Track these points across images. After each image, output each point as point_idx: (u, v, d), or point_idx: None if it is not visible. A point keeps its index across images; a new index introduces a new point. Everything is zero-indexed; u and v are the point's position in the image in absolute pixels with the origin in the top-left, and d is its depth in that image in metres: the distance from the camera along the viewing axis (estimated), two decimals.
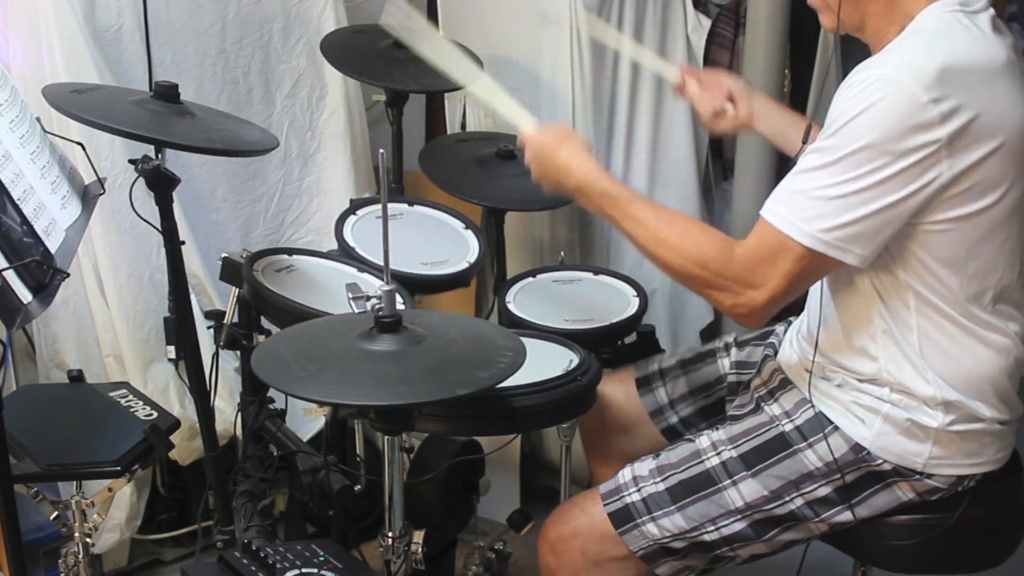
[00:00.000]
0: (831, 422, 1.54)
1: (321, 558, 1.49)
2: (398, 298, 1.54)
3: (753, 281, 1.44)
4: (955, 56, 1.36)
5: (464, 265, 2.05)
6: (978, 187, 1.38)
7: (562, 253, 2.47)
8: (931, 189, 1.37)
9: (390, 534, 1.54)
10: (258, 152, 1.86)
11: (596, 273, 2.23)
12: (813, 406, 1.56)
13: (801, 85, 3.07)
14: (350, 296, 1.41)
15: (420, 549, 1.56)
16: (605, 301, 2.11)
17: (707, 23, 2.88)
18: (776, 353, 1.72)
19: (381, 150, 1.40)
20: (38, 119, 1.67)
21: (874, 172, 1.35)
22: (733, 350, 1.86)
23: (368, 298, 1.40)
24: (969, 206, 1.39)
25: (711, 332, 2.97)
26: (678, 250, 1.50)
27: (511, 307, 2.04)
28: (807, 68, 3.04)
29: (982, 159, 1.36)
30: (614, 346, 2.06)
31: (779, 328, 1.82)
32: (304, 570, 1.46)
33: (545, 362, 1.72)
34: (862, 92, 1.36)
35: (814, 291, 1.60)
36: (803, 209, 1.40)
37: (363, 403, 1.34)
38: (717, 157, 3.13)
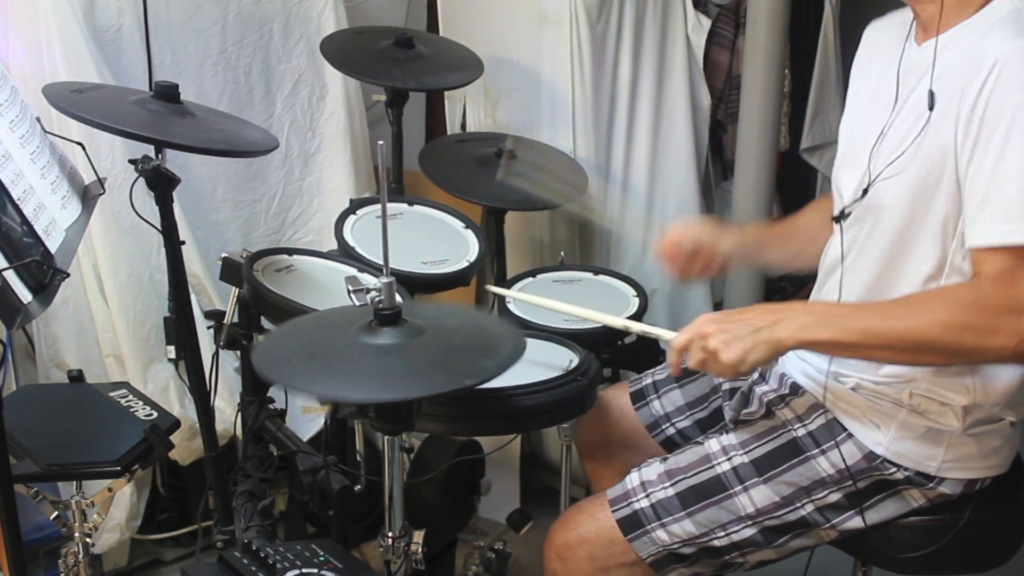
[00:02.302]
0: (845, 429, 1.53)
1: (321, 558, 1.49)
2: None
3: (1022, 303, 1.30)
4: None
5: (464, 264, 2.05)
6: None
7: (562, 253, 2.47)
8: None
9: (390, 534, 1.54)
10: (259, 153, 1.86)
11: (596, 273, 2.23)
12: (827, 411, 1.55)
13: (801, 85, 3.07)
14: (350, 288, 1.40)
15: (420, 549, 1.56)
16: (605, 301, 2.11)
17: (707, 23, 2.88)
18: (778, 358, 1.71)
19: (380, 142, 1.38)
20: (38, 119, 1.67)
21: None
22: None
23: (368, 291, 1.39)
24: None
25: None
26: (928, 316, 1.34)
27: (511, 307, 2.04)
28: (807, 68, 3.04)
29: None
30: (614, 346, 2.06)
31: None
32: (304, 570, 1.46)
33: (545, 362, 1.72)
34: (1020, 67, 1.30)
35: (830, 295, 1.58)
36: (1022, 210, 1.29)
37: (374, 399, 1.32)
38: (717, 157, 3.13)
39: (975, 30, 1.40)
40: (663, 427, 1.84)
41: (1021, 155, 1.30)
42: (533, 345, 1.73)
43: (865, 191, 1.51)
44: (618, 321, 1.69)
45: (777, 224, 1.84)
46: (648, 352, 2.05)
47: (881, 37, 1.61)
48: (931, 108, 1.40)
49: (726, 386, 1.80)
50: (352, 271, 1.94)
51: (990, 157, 1.32)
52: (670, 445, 1.83)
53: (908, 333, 1.35)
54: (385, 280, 1.38)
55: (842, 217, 1.56)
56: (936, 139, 1.39)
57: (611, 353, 2.03)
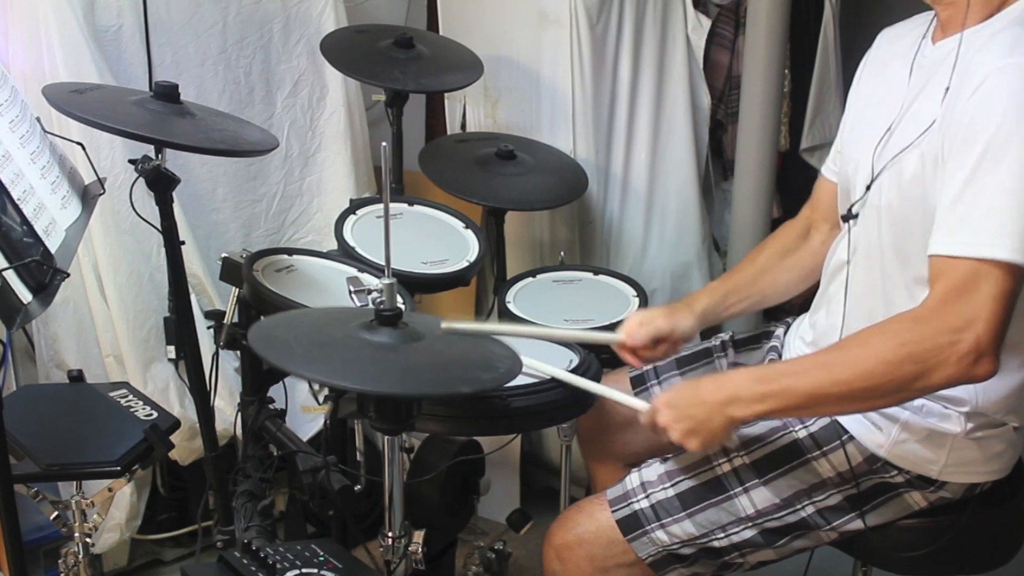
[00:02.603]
0: (847, 431, 1.53)
1: (321, 558, 1.49)
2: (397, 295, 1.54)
3: (959, 323, 1.29)
4: None
5: (464, 264, 2.05)
6: None
7: (562, 253, 2.47)
8: None
9: (390, 534, 1.54)
10: (259, 152, 1.86)
11: (596, 273, 2.23)
12: None
13: (801, 85, 3.07)
14: (351, 289, 1.41)
15: (420, 549, 1.56)
16: (605, 301, 2.11)
17: (707, 23, 2.88)
18: (780, 357, 1.71)
19: (384, 143, 1.39)
20: (38, 119, 1.67)
21: None
22: (731, 351, 1.85)
23: (369, 291, 1.39)
24: None
25: (711, 332, 2.97)
26: (868, 358, 1.33)
27: (511, 307, 2.04)
28: (807, 68, 3.04)
29: None
30: None
31: (779, 330, 1.82)
32: (304, 570, 1.46)
33: (545, 362, 1.72)
34: (1007, 88, 1.30)
35: (836, 295, 1.59)
36: (989, 225, 1.29)
37: (371, 389, 1.31)
38: (717, 157, 3.13)
39: (987, 34, 1.40)
40: None
41: (995, 173, 1.29)
42: (533, 345, 1.73)
43: (868, 188, 1.51)
44: (584, 383, 1.65)
45: (732, 276, 1.85)
46: None
47: (896, 40, 1.62)
48: (943, 104, 1.40)
49: None
50: (352, 271, 1.94)
51: (964, 172, 1.32)
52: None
53: (854, 382, 1.34)
54: (387, 281, 1.38)
55: (849, 216, 1.56)
56: (931, 138, 1.39)
57: (611, 353, 2.03)
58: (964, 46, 1.41)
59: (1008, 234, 1.28)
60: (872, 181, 1.50)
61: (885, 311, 1.45)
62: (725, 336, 1.87)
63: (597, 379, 1.71)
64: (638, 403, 1.57)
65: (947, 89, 1.39)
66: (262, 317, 1.95)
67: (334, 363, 1.30)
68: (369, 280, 1.88)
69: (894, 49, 1.60)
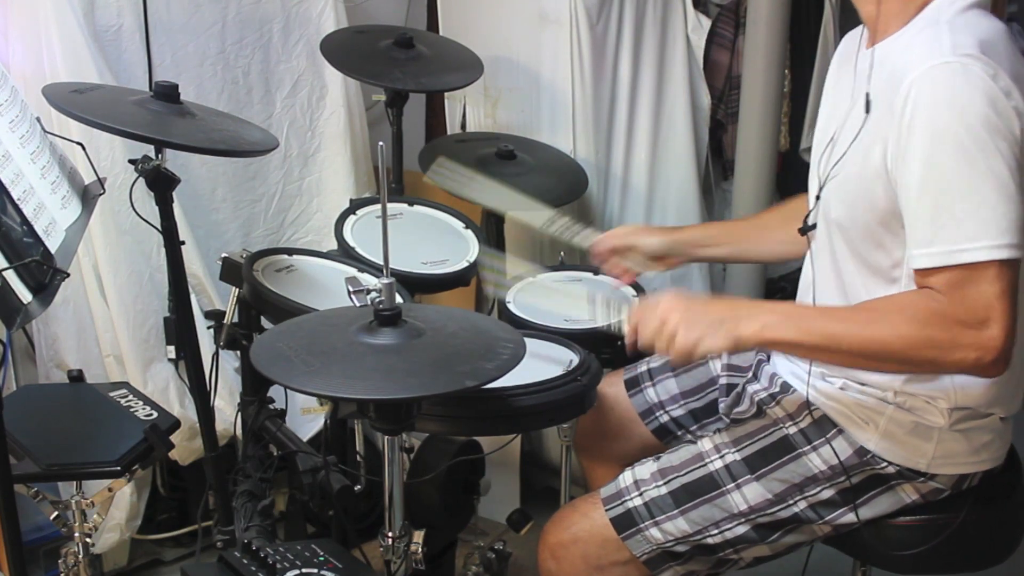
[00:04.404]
0: (835, 425, 1.54)
1: (321, 558, 1.49)
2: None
3: (976, 318, 1.30)
4: (980, 32, 1.36)
5: (464, 264, 2.05)
6: None
7: (562, 253, 2.47)
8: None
9: (390, 534, 1.54)
10: (258, 152, 1.85)
11: (596, 273, 2.23)
12: (817, 409, 1.56)
13: (801, 85, 3.07)
14: (350, 289, 1.41)
15: (420, 549, 1.56)
16: None
17: (707, 23, 2.88)
18: (770, 357, 1.71)
19: (381, 143, 1.39)
20: (38, 119, 1.67)
21: (995, 151, 1.29)
22: (724, 354, 1.84)
23: (368, 291, 1.39)
24: None
25: None
26: (889, 326, 1.33)
27: (511, 307, 2.03)
28: (807, 68, 3.04)
29: None
30: (614, 346, 2.06)
31: None
32: (304, 570, 1.46)
33: (545, 362, 1.72)
34: (935, 88, 1.31)
35: (805, 297, 1.59)
36: (964, 230, 1.30)
37: (373, 397, 1.32)
38: (717, 157, 3.13)
39: (907, 39, 1.41)
40: (656, 414, 1.85)
41: (944, 179, 1.30)
42: (533, 345, 1.73)
43: (817, 198, 1.53)
44: (582, 296, 1.69)
45: (728, 221, 1.88)
46: (649, 352, 2.04)
47: (850, 42, 1.62)
48: (867, 111, 1.42)
49: (722, 380, 1.81)
50: (352, 271, 1.94)
51: (916, 183, 1.33)
52: (662, 433, 1.84)
53: (870, 343, 1.35)
54: (386, 281, 1.38)
55: (806, 228, 1.58)
56: (873, 146, 1.40)
57: (611, 353, 2.03)
58: (886, 51, 1.43)
59: (982, 234, 1.29)
60: (820, 191, 1.53)
61: None
62: None
63: (596, 380, 1.71)
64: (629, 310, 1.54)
65: (867, 94, 1.41)
66: (262, 318, 1.96)
67: (335, 374, 1.30)
68: (368, 280, 1.89)
69: (847, 52, 1.61)
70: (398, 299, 1.40)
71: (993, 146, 1.29)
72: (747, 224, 1.83)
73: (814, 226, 1.56)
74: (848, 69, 1.56)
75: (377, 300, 1.38)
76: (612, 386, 1.89)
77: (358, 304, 1.40)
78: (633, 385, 1.87)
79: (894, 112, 1.35)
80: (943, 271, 1.32)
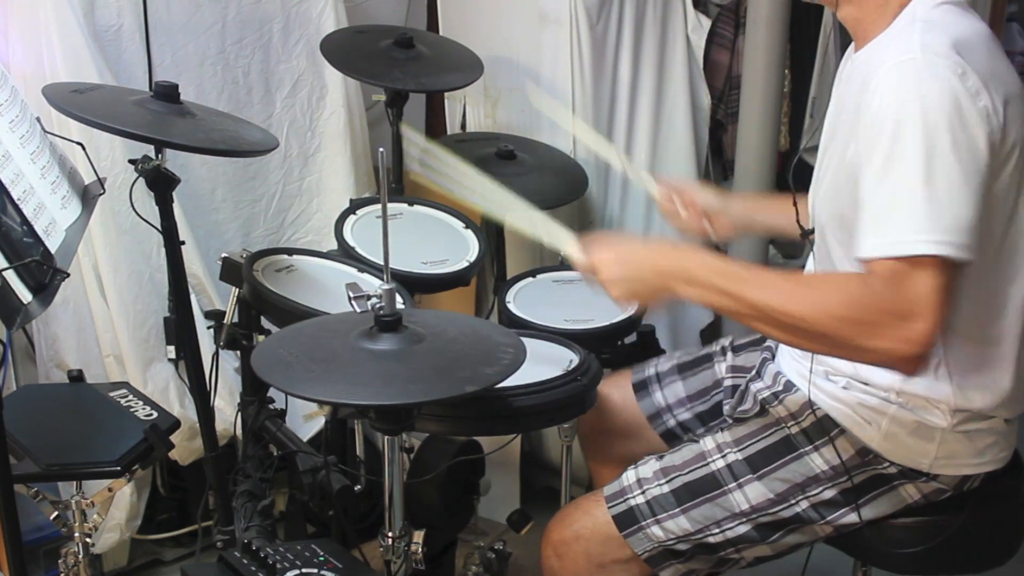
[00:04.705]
0: (837, 425, 1.54)
1: (321, 558, 1.49)
2: (397, 297, 1.54)
3: (906, 310, 1.28)
4: (957, 31, 1.36)
5: (464, 264, 2.05)
6: (1015, 147, 1.36)
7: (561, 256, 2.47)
8: (993, 157, 1.32)
9: (390, 534, 1.54)
10: (258, 152, 1.86)
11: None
12: (819, 408, 1.56)
13: (801, 85, 3.08)
14: (351, 295, 1.41)
15: (420, 549, 1.56)
16: (605, 301, 2.10)
17: (707, 23, 2.88)
18: (774, 356, 1.71)
19: (381, 149, 1.39)
20: (38, 119, 1.67)
21: (953, 151, 1.29)
22: (729, 354, 1.85)
23: (368, 297, 1.40)
24: (1005, 178, 1.36)
25: (711, 333, 2.97)
26: (820, 304, 1.33)
27: (511, 307, 2.04)
28: (807, 68, 3.04)
29: (1009, 117, 1.34)
30: (614, 346, 2.06)
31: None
32: (304, 570, 1.46)
33: (545, 362, 1.72)
34: (900, 84, 1.31)
35: None
36: (910, 222, 1.29)
37: (374, 403, 1.32)
38: (717, 157, 3.13)
39: (885, 42, 1.42)
40: (664, 418, 1.85)
41: (899, 171, 1.30)
42: (533, 345, 1.73)
43: (813, 203, 1.55)
44: (523, 213, 1.68)
45: (774, 195, 1.88)
46: (649, 352, 2.05)
47: (848, 53, 1.63)
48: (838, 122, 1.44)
49: (727, 382, 1.82)
50: (352, 271, 1.94)
51: (874, 173, 1.32)
52: (670, 437, 1.85)
53: (799, 319, 1.34)
54: (386, 287, 1.38)
55: (806, 232, 1.59)
56: (848, 145, 1.40)
57: (611, 353, 2.03)
58: (867, 55, 1.44)
59: (929, 227, 1.28)
60: (816, 196, 1.54)
61: None
62: (725, 342, 1.88)
63: (597, 380, 1.71)
64: (573, 247, 1.57)
65: (842, 99, 1.43)
66: (262, 318, 1.96)
67: (336, 380, 1.31)
68: (369, 283, 1.88)
69: (845, 60, 1.62)
70: (399, 302, 1.40)
71: (951, 145, 1.29)
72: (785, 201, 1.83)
73: (812, 230, 1.57)
74: (841, 76, 1.58)
75: (377, 306, 1.38)
76: (620, 388, 1.89)
77: (358, 310, 1.40)
78: (641, 388, 1.88)
79: (863, 109, 1.36)
80: (885, 261, 1.31)
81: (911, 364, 1.31)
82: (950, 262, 1.29)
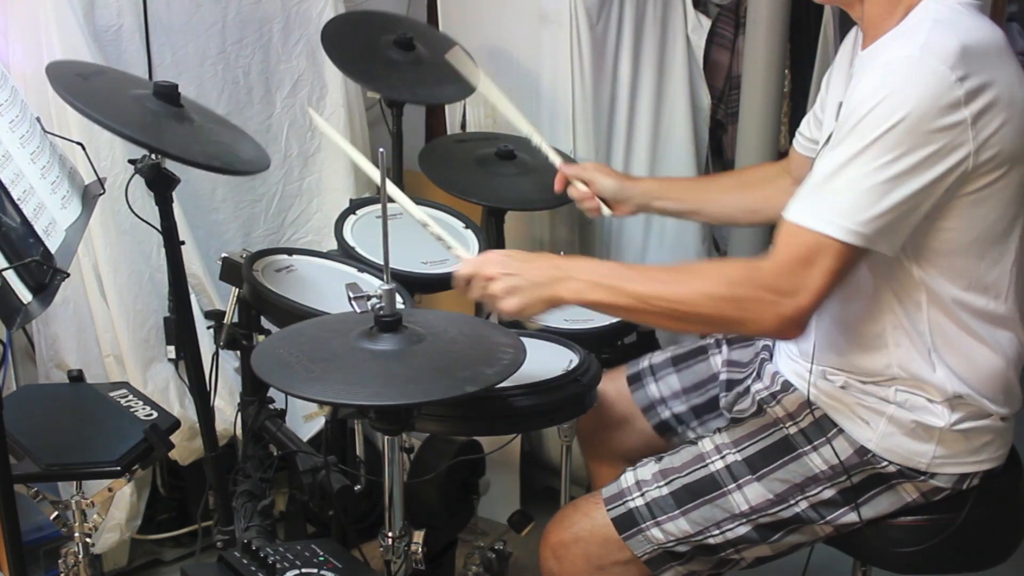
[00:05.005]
0: (835, 425, 1.54)
1: (321, 558, 1.49)
2: (397, 297, 1.54)
3: (788, 288, 1.36)
4: (969, 36, 1.36)
5: None
6: (992, 162, 1.36)
7: (562, 253, 2.47)
8: (959, 171, 1.34)
9: (390, 534, 1.54)
10: (250, 172, 1.87)
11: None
12: (817, 408, 1.56)
13: (801, 85, 3.07)
14: (351, 295, 1.41)
15: (420, 549, 1.56)
16: None
17: (707, 23, 2.88)
18: (772, 356, 1.71)
19: (381, 149, 1.40)
20: (38, 119, 1.67)
21: (907, 154, 1.31)
22: (724, 347, 1.85)
23: (368, 297, 1.40)
24: (984, 188, 1.38)
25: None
26: (698, 287, 1.41)
27: None
28: (807, 68, 3.04)
29: (997, 133, 1.35)
30: (614, 346, 2.06)
31: None
32: (304, 570, 1.46)
33: (545, 362, 1.72)
34: (887, 75, 1.33)
35: None
36: (837, 203, 1.34)
37: (374, 403, 1.33)
38: (717, 157, 3.13)
39: (897, 36, 1.42)
40: (658, 410, 1.85)
41: (847, 153, 1.34)
42: (532, 345, 1.73)
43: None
44: (418, 213, 1.69)
45: (687, 179, 1.97)
46: (649, 351, 2.05)
47: (845, 46, 1.64)
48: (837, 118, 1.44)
49: (723, 376, 1.82)
50: (352, 271, 1.94)
51: (831, 148, 1.37)
52: (664, 429, 1.85)
53: (679, 304, 1.42)
54: (386, 287, 1.38)
55: None
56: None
57: (611, 353, 2.03)
58: (875, 52, 1.44)
59: (850, 213, 1.33)
60: None
61: (842, 309, 1.50)
62: (719, 335, 1.88)
63: (596, 380, 1.71)
64: (461, 250, 1.62)
65: (846, 98, 1.42)
66: (262, 318, 1.96)
67: (335, 380, 1.31)
68: (369, 283, 1.88)
69: (843, 54, 1.63)
70: (399, 302, 1.40)
71: (915, 145, 1.31)
72: (703, 184, 1.93)
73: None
74: (840, 72, 1.59)
75: (377, 306, 1.38)
76: (614, 381, 1.89)
77: (359, 311, 1.40)
78: (635, 380, 1.88)
79: (848, 99, 1.38)
80: (803, 230, 1.36)
81: (790, 335, 1.42)
82: (856, 249, 1.35)
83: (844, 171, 1.34)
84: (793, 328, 1.39)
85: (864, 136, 1.33)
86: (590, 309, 1.57)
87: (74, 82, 1.66)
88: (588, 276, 1.47)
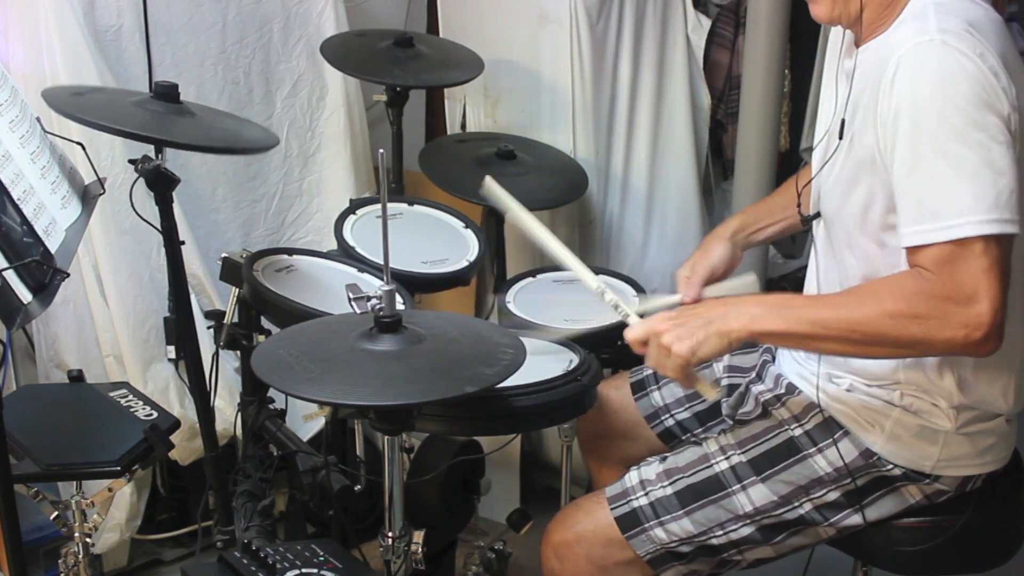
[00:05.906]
0: (841, 427, 1.54)
1: (321, 558, 1.49)
2: (397, 298, 1.54)
3: (964, 294, 1.29)
4: (968, 14, 1.36)
5: (464, 264, 2.05)
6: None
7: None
8: (1013, 133, 1.32)
9: (390, 534, 1.54)
10: (258, 150, 1.85)
11: (596, 273, 2.22)
12: (822, 411, 1.56)
13: (801, 85, 3.07)
14: (351, 296, 1.41)
15: (420, 549, 1.56)
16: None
17: (707, 23, 2.88)
18: (775, 358, 1.71)
19: (381, 150, 1.39)
20: (38, 119, 1.67)
21: (980, 131, 1.29)
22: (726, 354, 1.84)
23: (368, 298, 1.40)
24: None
25: None
26: (875, 307, 1.33)
27: (511, 307, 2.03)
28: (807, 68, 3.04)
29: (1017, 100, 1.34)
30: (614, 346, 2.06)
31: None
32: (304, 570, 1.46)
33: (545, 362, 1.72)
34: (915, 69, 1.32)
35: (810, 289, 1.60)
36: (952, 205, 1.29)
37: (374, 403, 1.33)
38: (717, 157, 3.13)
39: (897, 28, 1.42)
40: (662, 418, 1.85)
41: (931, 155, 1.31)
42: (533, 345, 1.73)
43: (819, 191, 1.56)
44: (592, 281, 1.66)
45: (766, 199, 1.88)
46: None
47: (834, 39, 1.63)
48: (854, 111, 1.44)
49: (724, 382, 1.81)
50: (352, 271, 1.94)
51: (906, 158, 1.33)
52: (668, 437, 1.84)
53: (858, 324, 1.35)
54: (386, 288, 1.38)
55: (808, 218, 1.60)
56: (864, 134, 1.41)
57: (611, 353, 2.02)
58: (875, 47, 1.44)
59: (969, 210, 1.29)
60: (823, 186, 1.54)
61: None
62: None
63: (596, 380, 1.71)
64: (635, 317, 1.56)
65: (849, 97, 1.44)
66: (262, 318, 1.96)
67: (335, 381, 1.31)
68: (369, 283, 1.88)
69: (833, 49, 1.62)
70: (399, 303, 1.40)
71: (980, 120, 1.29)
72: (785, 198, 1.81)
73: (816, 215, 1.57)
74: (833, 67, 1.58)
75: (377, 307, 1.38)
76: (618, 389, 1.89)
77: (359, 311, 1.40)
78: (639, 388, 1.87)
79: (882, 93, 1.36)
80: (931, 248, 1.31)
81: (984, 345, 1.31)
82: (997, 238, 1.29)
83: (931, 173, 1.31)
84: (985, 341, 1.30)
85: (932, 135, 1.30)
86: (763, 342, 1.53)
87: (72, 100, 1.67)
88: (759, 306, 1.42)
